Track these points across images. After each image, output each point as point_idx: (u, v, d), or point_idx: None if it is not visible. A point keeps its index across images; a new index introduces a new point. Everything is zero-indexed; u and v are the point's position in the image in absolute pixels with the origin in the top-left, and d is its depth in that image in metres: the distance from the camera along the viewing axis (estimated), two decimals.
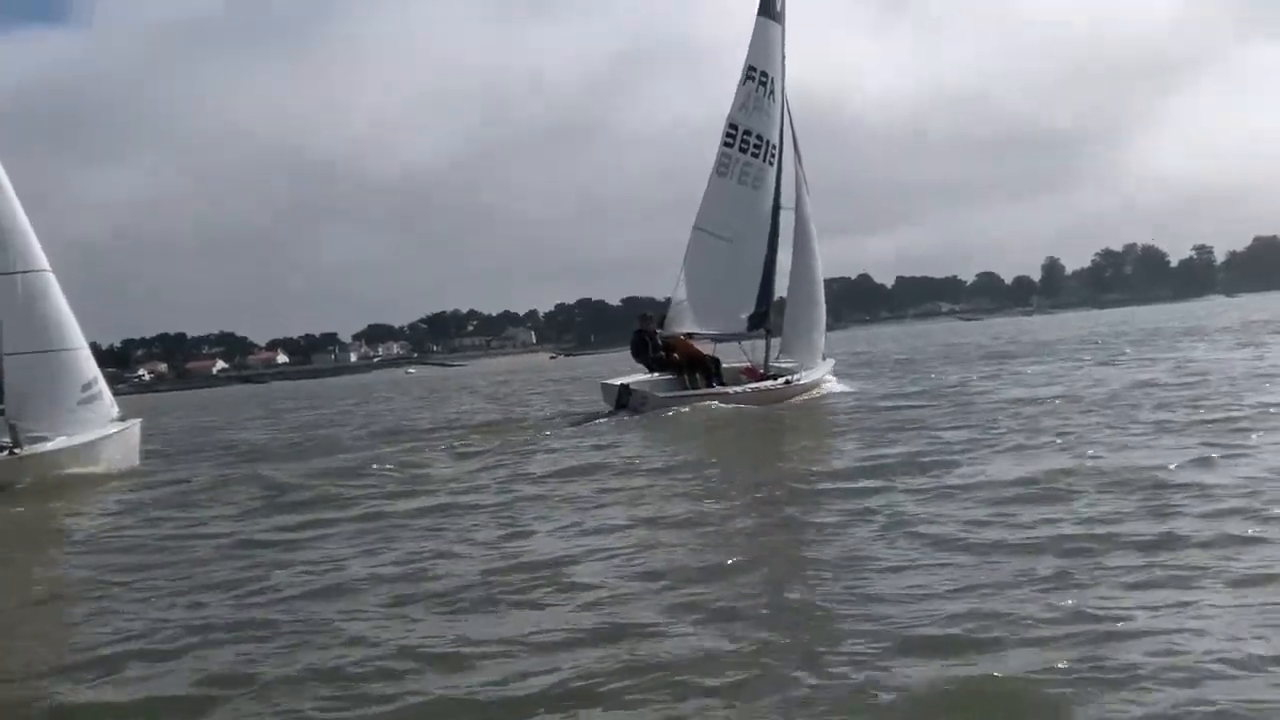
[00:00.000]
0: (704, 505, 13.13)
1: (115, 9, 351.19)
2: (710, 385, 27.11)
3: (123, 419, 23.79)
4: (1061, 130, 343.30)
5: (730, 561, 9.81)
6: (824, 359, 29.83)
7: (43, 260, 22.64)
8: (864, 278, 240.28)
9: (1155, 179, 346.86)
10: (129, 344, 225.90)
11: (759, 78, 27.64)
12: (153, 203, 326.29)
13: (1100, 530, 9.72)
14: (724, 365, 27.81)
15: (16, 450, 21.57)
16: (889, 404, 24.77)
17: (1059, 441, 15.58)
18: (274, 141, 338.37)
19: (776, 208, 28.15)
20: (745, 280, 28.04)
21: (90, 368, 23.36)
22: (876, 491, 12.70)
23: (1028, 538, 9.70)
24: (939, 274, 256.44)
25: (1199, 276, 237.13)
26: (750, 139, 27.57)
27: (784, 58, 28.08)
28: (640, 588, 9.12)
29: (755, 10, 27.73)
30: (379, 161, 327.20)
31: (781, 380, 27.50)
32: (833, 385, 29.35)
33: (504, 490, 15.59)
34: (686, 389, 26.92)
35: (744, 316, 28.07)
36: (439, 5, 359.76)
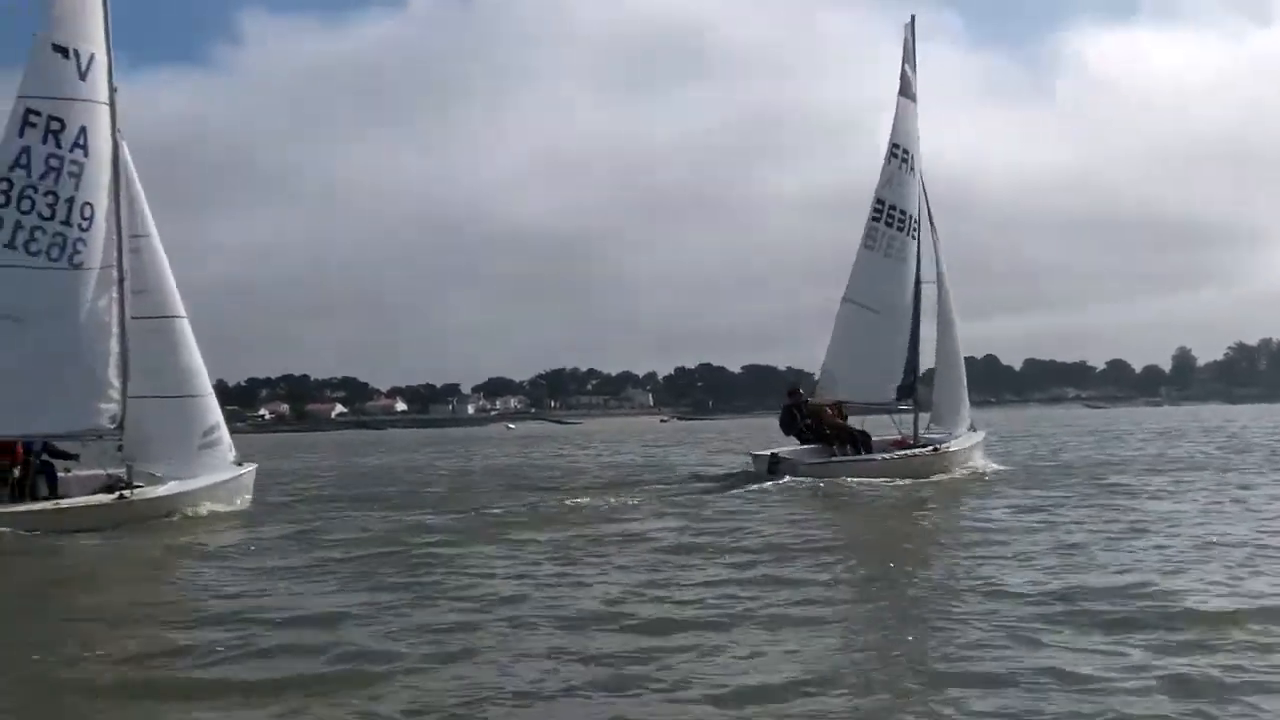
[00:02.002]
0: None
1: (256, 58, 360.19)
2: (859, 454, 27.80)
3: (239, 463, 24.10)
4: (1200, 220, 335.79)
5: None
6: (973, 429, 30.02)
7: (179, 307, 22.80)
8: (990, 359, 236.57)
9: None
10: (254, 383, 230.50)
11: (901, 155, 28.54)
12: (284, 250, 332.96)
13: None
14: (874, 439, 28.43)
15: (126, 493, 21.54)
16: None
17: None
18: (408, 198, 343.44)
19: (918, 280, 29.06)
20: (892, 351, 28.89)
21: (213, 414, 23.58)
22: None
23: None
24: (1068, 359, 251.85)
25: None
26: (895, 213, 28.47)
27: (918, 134, 28.98)
28: None
29: (896, 90, 28.87)
30: (507, 222, 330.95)
31: (930, 448, 28.08)
32: (984, 462, 29.50)
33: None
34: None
35: (892, 387, 28.84)
36: (574, 70, 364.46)
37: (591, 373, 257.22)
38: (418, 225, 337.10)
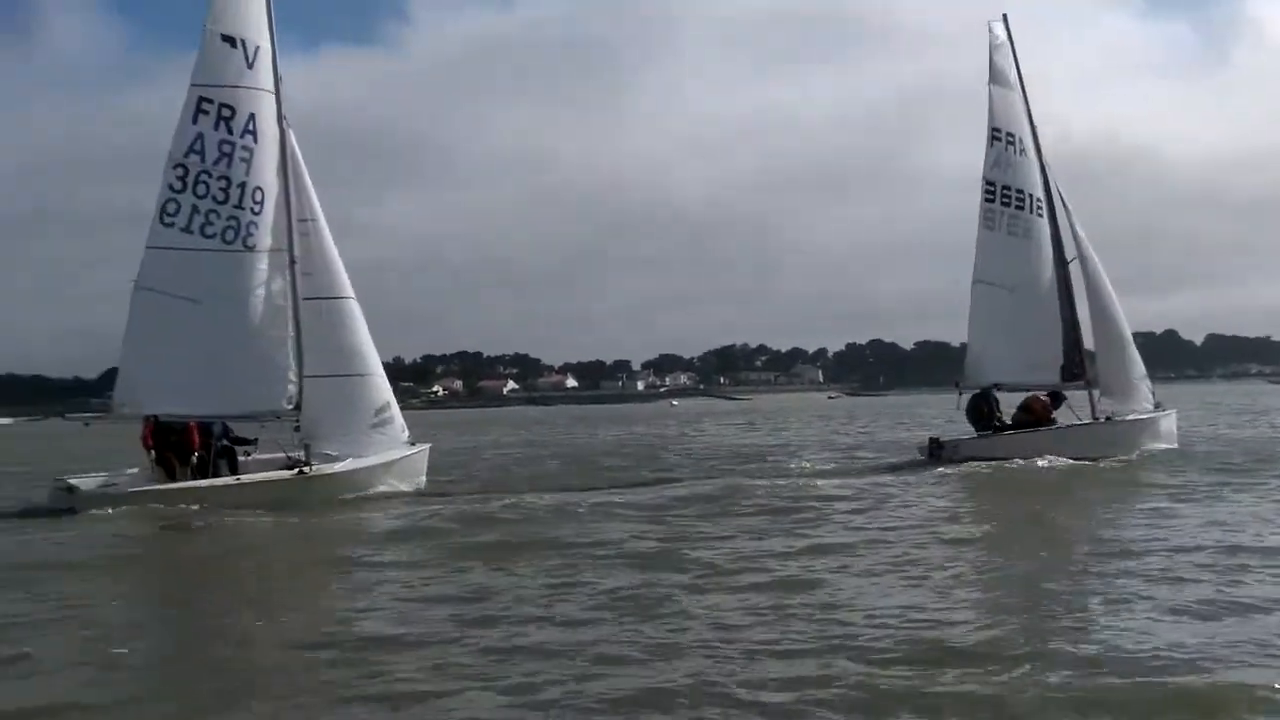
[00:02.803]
0: None
1: (428, 38, 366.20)
2: None
3: (412, 442, 24.38)
4: None
5: None
6: (1158, 407, 29.45)
7: (347, 288, 23.32)
8: (1170, 334, 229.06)
9: None
10: (429, 359, 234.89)
11: (1005, 138, 28.92)
12: (457, 227, 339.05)
13: None
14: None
15: (306, 469, 22.13)
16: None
17: None
18: (583, 176, 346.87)
19: (1062, 259, 28.98)
20: (1040, 329, 28.69)
21: (384, 393, 23.91)
22: None
23: None
24: (1251, 334, 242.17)
25: None
26: (1010, 193, 28.76)
27: (1031, 118, 29.37)
28: None
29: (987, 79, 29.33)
30: (677, 198, 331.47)
31: (1104, 418, 28.18)
32: (1168, 442, 28.91)
33: None
34: None
35: (1053, 367, 28.65)
36: (732, 46, 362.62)
37: (761, 349, 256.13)
38: (591, 202, 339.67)
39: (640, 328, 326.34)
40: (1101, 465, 25.53)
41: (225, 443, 22.73)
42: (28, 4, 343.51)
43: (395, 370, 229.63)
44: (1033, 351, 28.37)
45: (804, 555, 14.19)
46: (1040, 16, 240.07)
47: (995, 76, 29.21)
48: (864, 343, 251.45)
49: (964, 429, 28.60)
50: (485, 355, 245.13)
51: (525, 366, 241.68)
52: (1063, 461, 25.63)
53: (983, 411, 28.10)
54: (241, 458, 22.83)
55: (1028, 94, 29.45)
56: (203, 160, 21.82)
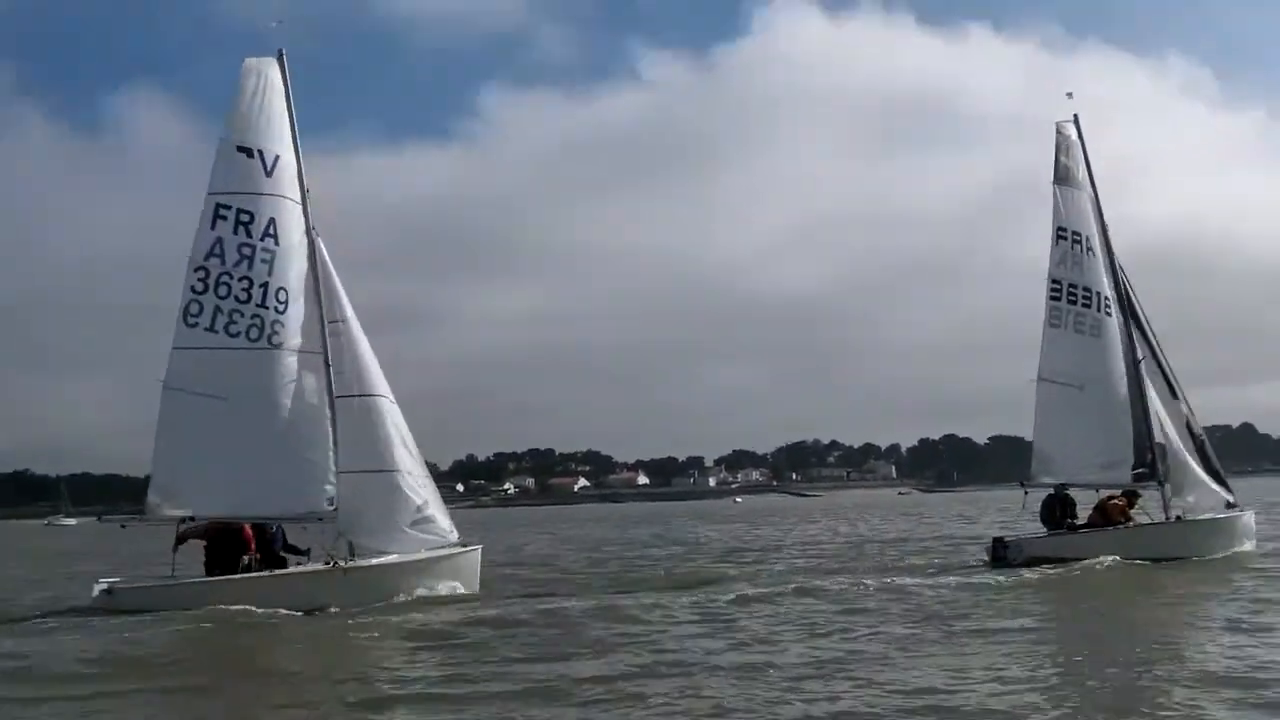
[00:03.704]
0: None
1: (505, 133, 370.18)
2: None
3: (464, 544, 23.72)
4: None
5: None
6: (1234, 506, 28.78)
7: (379, 386, 23.20)
8: (1246, 427, 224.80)
9: None
10: (501, 457, 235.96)
11: (1071, 237, 28.93)
12: (531, 323, 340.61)
13: None
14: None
15: (341, 562, 21.91)
16: None
17: None
18: (655, 268, 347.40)
19: (1134, 359, 28.70)
20: (1109, 427, 28.26)
21: (423, 490, 23.46)
22: None
23: None
24: None
25: None
26: (1078, 291, 28.72)
27: (1101, 215, 29.39)
28: None
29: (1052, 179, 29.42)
30: (752, 290, 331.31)
31: (1174, 518, 27.62)
32: (1248, 543, 28.33)
33: None
34: None
35: (1123, 468, 28.07)
36: (818, 138, 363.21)
37: (834, 444, 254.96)
38: (664, 295, 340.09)
39: (715, 424, 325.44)
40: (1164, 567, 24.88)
41: (282, 553, 22.42)
42: None
43: (469, 469, 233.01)
44: (1102, 450, 27.96)
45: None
46: (1118, 104, 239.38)
47: (1060, 176, 29.30)
48: (937, 438, 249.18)
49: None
50: (557, 452, 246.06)
51: (597, 463, 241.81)
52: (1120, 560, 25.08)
53: (1055, 513, 27.50)
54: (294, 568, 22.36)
55: (1098, 192, 29.59)
56: (223, 263, 22.03)
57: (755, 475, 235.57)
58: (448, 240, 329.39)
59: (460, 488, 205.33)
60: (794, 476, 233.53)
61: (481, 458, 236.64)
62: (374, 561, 22.32)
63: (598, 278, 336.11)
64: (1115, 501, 27.37)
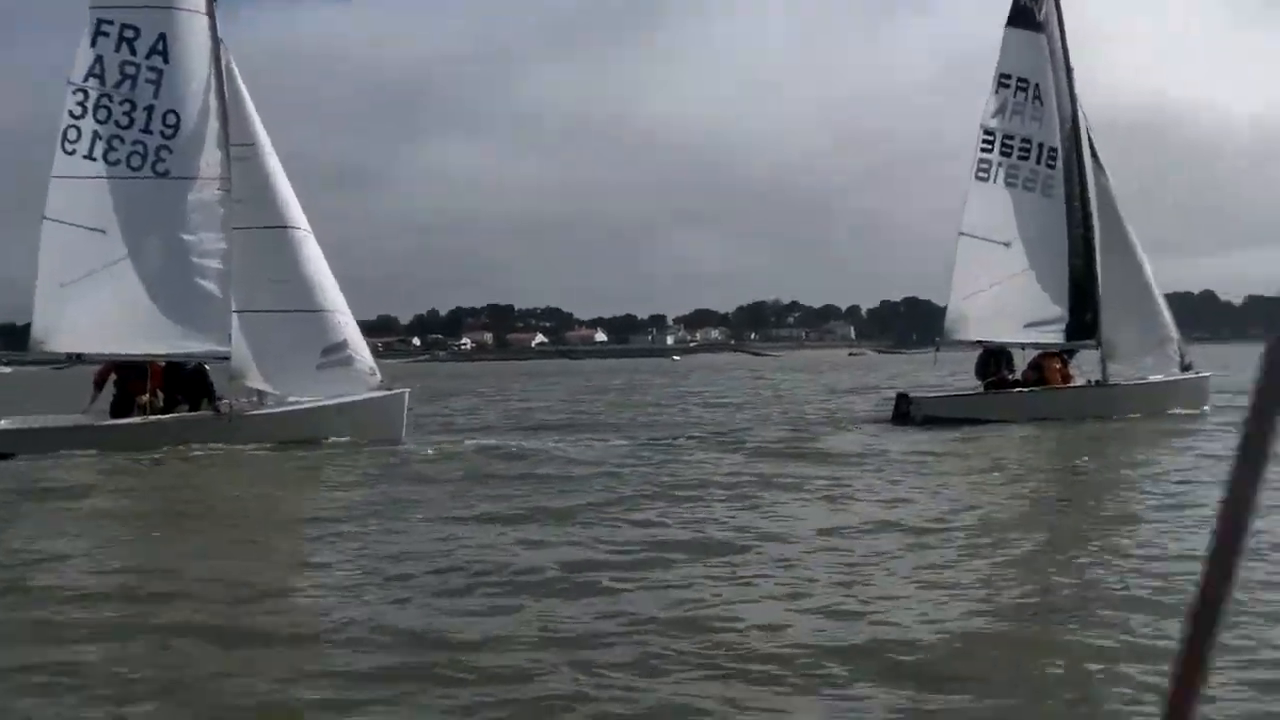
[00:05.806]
0: None
1: None
2: None
3: (387, 388, 22.50)
4: None
5: None
6: (1188, 369, 27.30)
7: (290, 218, 21.81)
8: (1207, 294, 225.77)
9: None
10: (459, 311, 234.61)
11: (1015, 84, 27.15)
12: (499, 183, 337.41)
13: None
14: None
15: (222, 409, 21.03)
16: None
17: None
18: (623, 131, 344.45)
19: (1086, 215, 27.25)
20: (1035, 285, 26.92)
21: (338, 331, 22.19)
22: None
23: None
24: None
25: None
26: (1014, 143, 27.06)
27: (1068, 65, 27.69)
28: None
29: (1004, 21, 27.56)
30: (718, 155, 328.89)
31: (1088, 381, 26.94)
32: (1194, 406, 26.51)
33: None
34: None
35: (1056, 328, 26.95)
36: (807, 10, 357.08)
37: (794, 305, 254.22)
38: (630, 158, 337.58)
39: (681, 285, 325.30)
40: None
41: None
42: None
43: (428, 323, 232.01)
44: (1030, 309, 26.71)
45: None
46: None
47: (1015, 19, 27.47)
48: (898, 300, 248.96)
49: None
50: (517, 308, 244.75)
51: (558, 320, 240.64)
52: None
53: (989, 368, 26.74)
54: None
55: (1066, 38, 27.81)
56: (103, 84, 20.58)
57: (714, 334, 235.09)
58: (408, 96, 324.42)
59: (417, 341, 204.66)
60: (753, 336, 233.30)
61: (444, 313, 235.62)
62: (262, 410, 21.40)
63: (564, 140, 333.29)
64: (1053, 362, 26.60)
